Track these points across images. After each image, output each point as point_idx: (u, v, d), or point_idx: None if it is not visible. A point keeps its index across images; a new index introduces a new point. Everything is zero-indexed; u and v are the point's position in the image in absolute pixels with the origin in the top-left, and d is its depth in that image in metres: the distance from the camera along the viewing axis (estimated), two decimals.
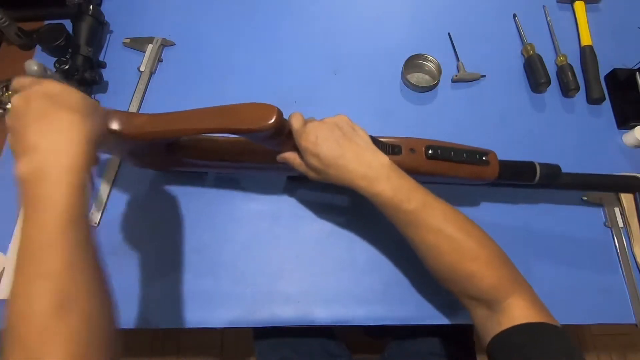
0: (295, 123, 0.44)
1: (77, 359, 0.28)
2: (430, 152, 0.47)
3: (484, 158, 0.49)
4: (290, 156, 0.46)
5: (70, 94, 0.36)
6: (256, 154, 0.51)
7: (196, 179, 0.59)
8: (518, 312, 0.38)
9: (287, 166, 0.49)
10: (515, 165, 0.51)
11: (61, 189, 0.31)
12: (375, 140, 0.46)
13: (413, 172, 0.50)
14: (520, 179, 0.51)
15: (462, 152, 0.48)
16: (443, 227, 0.41)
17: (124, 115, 0.44)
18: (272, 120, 0.41)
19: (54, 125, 0.34)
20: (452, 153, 0.48)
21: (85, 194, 0.33)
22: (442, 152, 0.47)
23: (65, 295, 0.29)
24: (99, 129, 0.38)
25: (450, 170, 0.49)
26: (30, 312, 0.28)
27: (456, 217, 0.42)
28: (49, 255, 0.30)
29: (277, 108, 0.41)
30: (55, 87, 0.36)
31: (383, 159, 0.43)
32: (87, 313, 0.30)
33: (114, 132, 0.44)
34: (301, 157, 0.45)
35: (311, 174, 0.45)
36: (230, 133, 0.43)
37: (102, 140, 0.38)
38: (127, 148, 0.48)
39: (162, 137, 0.45)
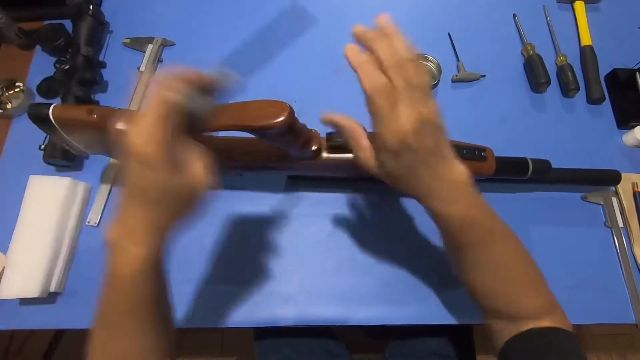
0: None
1: None
2: None
3: (482, 154, 0.50)
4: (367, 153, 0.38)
5: (143, 175, 0.28)
6: (259, 153, 0.51)
7: None
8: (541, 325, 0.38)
9: (291, 165, 0.49)
10: (509, 160, 0.53)
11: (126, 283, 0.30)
12: None
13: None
14: (515, 174, 0.54)
15: (462, 148, 0.50)
16: (504, 257, 0.39)
17: (128, 114, 0.44)
18: (284, 117, 0.40)
19: (126, 211, 0.30)
20: (454, 150, 0.48)
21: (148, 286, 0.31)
22: None
23: None
24: (173, 217, 0.32)
25: None
26: None
27: (516, 243, 0.40)
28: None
29: (289, 104, 0.41)
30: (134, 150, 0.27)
31: (465, 170, 0.36)
32: None
33: (119, 132, 0.43)
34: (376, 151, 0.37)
35: (392, 169, 0.35)
36: (240, 130, 0.43)
37: (178, 226, 0.33)
38: None
39: None
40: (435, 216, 0.37)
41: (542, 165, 0.54)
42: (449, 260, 0.45)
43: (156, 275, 0.32)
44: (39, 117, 0.43)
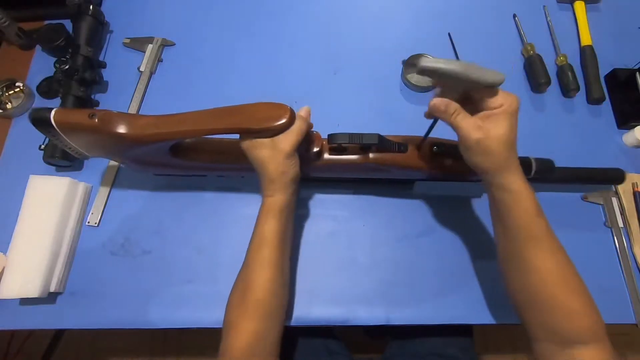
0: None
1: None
2: (435, 148, 0.49)
3: None
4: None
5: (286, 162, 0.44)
6: None
7: (195, 180, 0.59)
8: (597, 357, 0.38)
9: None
10: None
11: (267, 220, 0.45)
12: (382, 139, 0.47)
13: (419, 169, 0.50)
14: None
15: None
16: (562, 254, 0.41)
17: (127, 117, 0.44)
18: (285, 120, 0.41)
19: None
20: (455, 150, 0.49)
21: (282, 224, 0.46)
22: (446, 149, 0.49)
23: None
24: (289, 166, 0.45)
25: (454, 166, 0.50)
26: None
27: (566, 255, 0.42)
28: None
29: (290, 107, 0.42)
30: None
31: None
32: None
33: (117, 135, 0.43)
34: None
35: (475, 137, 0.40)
36: (241, 133, 0.43)
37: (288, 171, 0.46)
38: (128, 152, 0.48)
39: (168, 138, 0.44)
40: (510, 187, 0.40)
41: (546, 165, 0.53)
42: (501, 272, 0.45)
43: (289, 211, 0.47)
44: (40, 121, 0.43)
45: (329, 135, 0.48)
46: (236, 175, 0.59)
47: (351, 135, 0.47)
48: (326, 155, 0.50)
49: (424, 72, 0.38)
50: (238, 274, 0.46)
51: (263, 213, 0.46)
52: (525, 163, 0.53)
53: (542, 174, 0.53)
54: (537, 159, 0.53)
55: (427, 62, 0.37)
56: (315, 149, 0.49)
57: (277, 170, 0.44)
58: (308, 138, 0.47)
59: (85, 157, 0.57)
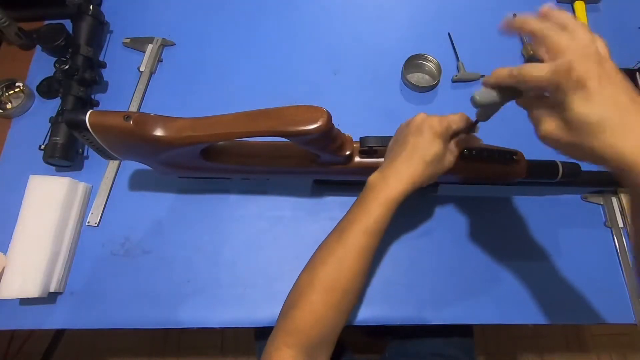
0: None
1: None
2: (465, 152, 0.48)
3: (513, 157, 0.50)
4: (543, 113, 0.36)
5: (432, 143, 0.43)
6: (292, 158, 0.50)
7: (196, 181, 0.59)
8: None
9: (322, 170, 0.50)
10: (540, 164, 0.53)
11: (378, 207, 0.42)
12: None
13: (449, 173, 0.50)
14: (544, 177, 0.54)
15: (494, 152, 0.50)
16: None
17: (163, 120, 0.44)
18: (322, 123, 0.41)
19: (409, 161, 0.43)
20: (485, 153, 0.49)
21: (389, 217, 0.43)
22: (476, 153, 0.49)
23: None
24: (429, 178, 0.44)
25: (483, 170, 0.50)
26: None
27: None
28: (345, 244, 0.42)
29: (326, 110, 0.42)
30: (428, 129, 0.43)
31: None
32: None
33: (153, 138, 0.43)
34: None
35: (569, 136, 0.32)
36: (277, 136, 0.43)
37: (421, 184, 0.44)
38: (161, 154, 0.47)
39: (204, 141, 0.44)
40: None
41: (572, 169, 0.53)
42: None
43: (396, 207, 0.44)
44: (75, 124, 0.43)
45: (360, 139, 0.48)
46: (262, 179, 0.59)
47: (383, 139, 0.47)
48: (357, 159, 0.50)
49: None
50: (326, 252, 0.44)
51: (381, 200, 0.42)
52: (552, 167, 0.53)
53: (568, 177, 0.53)
54: (563, 163, 0.53)
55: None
56: (347, 152, 0.49)
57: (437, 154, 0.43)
58: (340, 141, 0.47)
59: (116, 159, 0.57)
